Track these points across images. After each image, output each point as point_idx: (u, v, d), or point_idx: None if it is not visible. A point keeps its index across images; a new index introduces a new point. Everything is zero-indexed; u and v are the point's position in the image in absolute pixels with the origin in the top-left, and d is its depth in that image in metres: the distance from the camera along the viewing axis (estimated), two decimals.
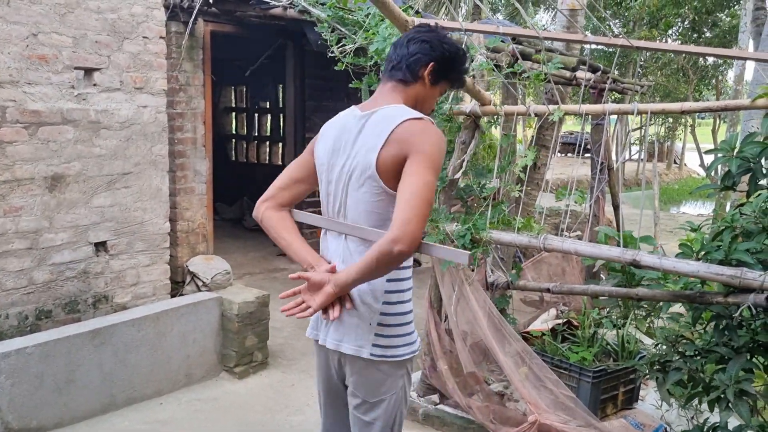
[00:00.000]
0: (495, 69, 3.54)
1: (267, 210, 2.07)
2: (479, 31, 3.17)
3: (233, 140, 10.78)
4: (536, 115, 3.38)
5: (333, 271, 1.90)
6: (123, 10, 4.24)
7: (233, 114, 10.84)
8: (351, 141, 1.94)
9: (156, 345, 4.00)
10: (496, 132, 3.68)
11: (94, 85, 4.14)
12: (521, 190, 3.50)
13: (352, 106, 2.04)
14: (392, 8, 2.64)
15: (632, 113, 2.98)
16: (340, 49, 4.09)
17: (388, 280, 1.92)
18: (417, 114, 1.88)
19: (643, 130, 21.10)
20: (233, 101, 10.77)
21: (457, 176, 3.57)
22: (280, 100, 9.57)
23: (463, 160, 3.52)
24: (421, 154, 1.79)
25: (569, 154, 23.31)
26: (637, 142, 22.34)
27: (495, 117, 3.56)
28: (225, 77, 9.64)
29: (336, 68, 4.07)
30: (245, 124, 10.57)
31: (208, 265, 5.39)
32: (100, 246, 4.27)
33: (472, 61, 2.00)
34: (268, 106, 10.16)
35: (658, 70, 17.67)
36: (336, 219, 1.99)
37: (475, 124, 3.64)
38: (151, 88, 4.44)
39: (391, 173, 1.83)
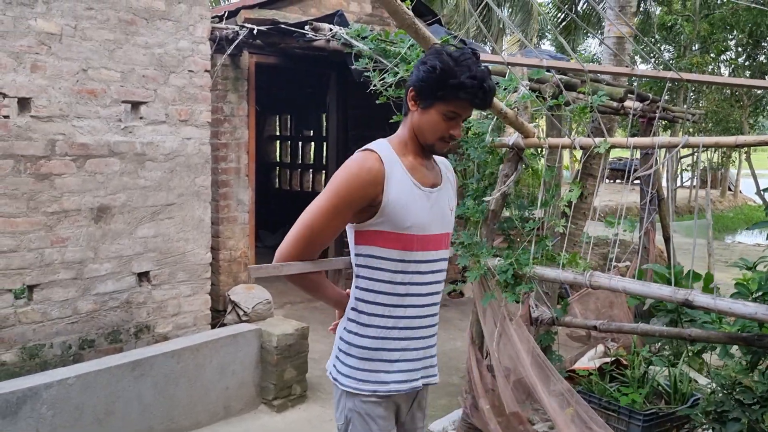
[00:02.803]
0: (538, 100, 3.47)
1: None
2: (522, 65, 3.11)
3: (277, 168, 10.90)
4: (582, 148, 3.28)
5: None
6: (170, 44, 4.33)
7: (277, 142, 10.98)
8: None
9: (195, 377, 4.00)
10: (542, 162, 3.59)
11: (141, 118, 4.22)
12: (566, 225, 3.39)
13: None
14: (432, 42, 2.60)
15: (682, 146, 2.86)
16: (381, 81, 4.08)
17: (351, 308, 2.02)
18: (368, 146, 1.93)
19: (694, 157, 20.56)
20: (278, 130, 10.91)
21: (492, 207, 3.48)
22: (324, 128, 9.65)
23: (503, 192, 3.43)
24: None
25: (617, 181, 22.83)
26: (689, 168, 21.77)
27: (539, 149, 3.48)
28: (270, 106, 9.79)
29: (378, 102, 4.05)
30: (289, 152, 10.69)
31: (249, 294, 5.40)
32: (143, 276, 4.31)
33: (475, 73, 1.76)
34: (311, 134, 10.26)
35: (711, 96, 17.24)
36: None
37: (518, 156, 3.56)
38: (195, 120, 4.50)
39: None
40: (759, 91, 17.86)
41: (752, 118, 19.21)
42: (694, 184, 23.26)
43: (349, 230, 1.97)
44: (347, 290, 2.08)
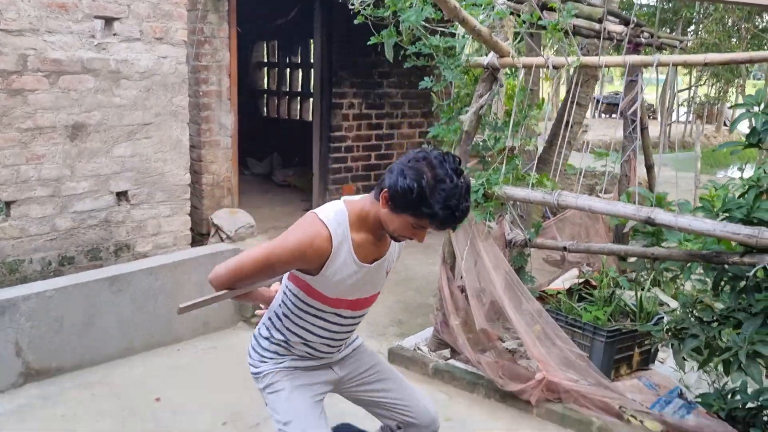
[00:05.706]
0: (515, 20, 3.42)
1: None
2: None
3: (265, 96, 10.77)
4: (555, 67, 3.26)
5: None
6: None
7: (265, 69, 10.80)
8: None
9: (174, 293, 4.08)
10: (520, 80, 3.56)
11: (114, 34, 4.15)
12: (536, 145, 3.40)
13: None
14: None
15: (653, 64, 2.85)
16: (360, 1, 3.99)
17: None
18: (324, 218, 1.91)
19: (691, 92, 20.36)
20: (265, 56, 10.71)
21: (466, 128, 3.48)
22: (311, 54, 9.48)
23: (477, 113, 3.43)
24: None
25: (613, 115, 22.65)
26: (684, 103, 21.59)
27: (513, 69, 3.45)
28: (256, 32, 9.57)
29: (356, 22, 3.97)
30: (276, 79, 10.53)
31: (232, 218, 5.46)
32: (122, 195, 4.34)
33: (449, 199, 1.77)
34: (299, 61, 10.08)
35: (710, 27, 16.87)
36: None
37: (492, 76, 3.54)
38: (171, 38, 4.43)
39: None
40: (766, 18, 17.47)
41: (751, 50, 18.90)
42: (689, 119, 23.13)
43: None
44: (275, 285, 2.22)
